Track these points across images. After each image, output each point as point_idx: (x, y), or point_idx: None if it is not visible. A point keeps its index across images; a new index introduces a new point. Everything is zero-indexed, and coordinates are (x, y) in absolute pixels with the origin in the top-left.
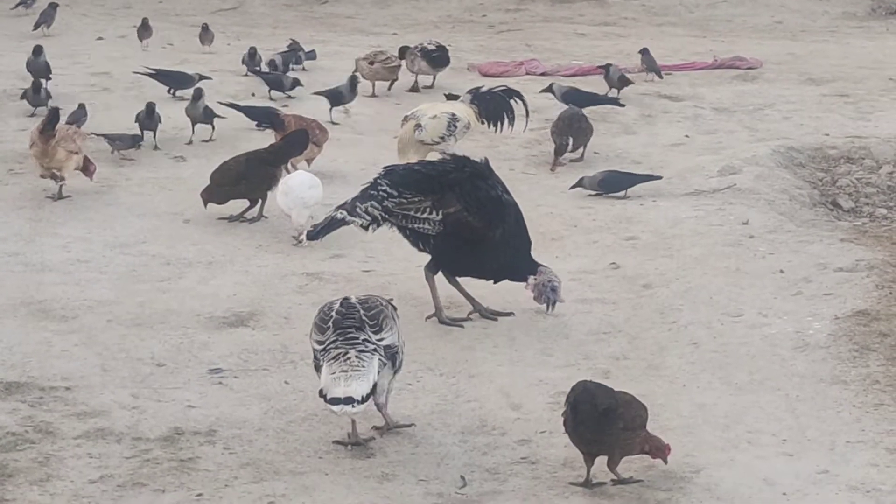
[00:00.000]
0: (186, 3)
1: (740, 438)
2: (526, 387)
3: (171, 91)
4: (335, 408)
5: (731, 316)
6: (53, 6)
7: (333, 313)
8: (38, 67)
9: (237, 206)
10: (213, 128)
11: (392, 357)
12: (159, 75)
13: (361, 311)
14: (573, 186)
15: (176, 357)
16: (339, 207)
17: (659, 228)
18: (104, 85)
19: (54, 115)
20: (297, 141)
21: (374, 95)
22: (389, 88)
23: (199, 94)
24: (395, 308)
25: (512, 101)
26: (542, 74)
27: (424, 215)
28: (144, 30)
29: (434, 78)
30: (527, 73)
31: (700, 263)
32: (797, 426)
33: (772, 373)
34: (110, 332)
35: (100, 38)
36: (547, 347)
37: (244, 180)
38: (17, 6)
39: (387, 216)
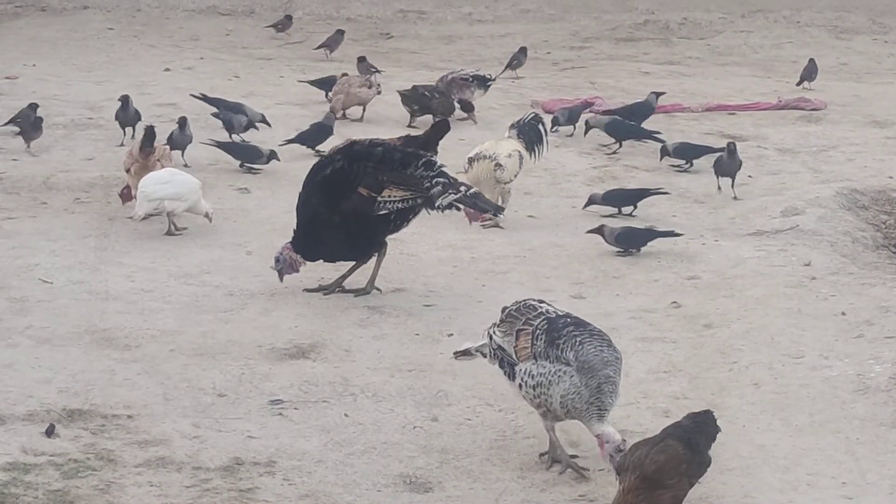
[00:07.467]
0: (253, 37)
1: (800, 481)
2: None
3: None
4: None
5: (792, 357)
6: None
7: None
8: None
9: None
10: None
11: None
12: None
13: (507, 309)
14: (591, 230)
15: (237, 387)
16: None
17: (721, 268)
18: (171, 115)
19: (151, 132)
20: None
21: (344, 117)
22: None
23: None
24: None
25: (540, 127)
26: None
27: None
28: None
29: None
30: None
31: (761, 304)
32: (857, 469)
33: (832, 415)
34: (172, 362)
35: (167, 70)
36: None
37: None
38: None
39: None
